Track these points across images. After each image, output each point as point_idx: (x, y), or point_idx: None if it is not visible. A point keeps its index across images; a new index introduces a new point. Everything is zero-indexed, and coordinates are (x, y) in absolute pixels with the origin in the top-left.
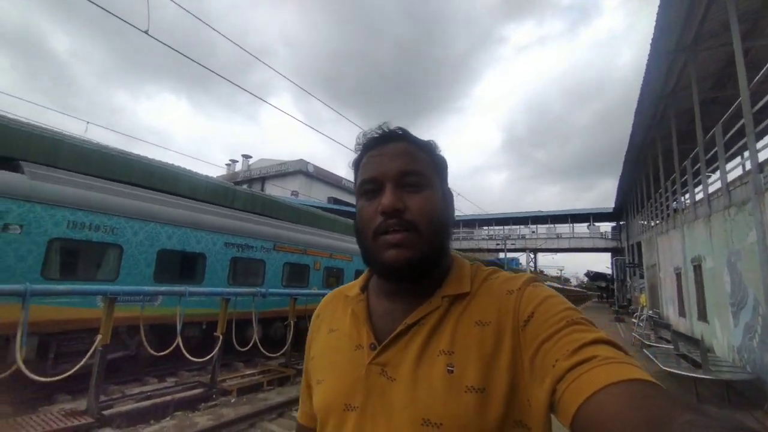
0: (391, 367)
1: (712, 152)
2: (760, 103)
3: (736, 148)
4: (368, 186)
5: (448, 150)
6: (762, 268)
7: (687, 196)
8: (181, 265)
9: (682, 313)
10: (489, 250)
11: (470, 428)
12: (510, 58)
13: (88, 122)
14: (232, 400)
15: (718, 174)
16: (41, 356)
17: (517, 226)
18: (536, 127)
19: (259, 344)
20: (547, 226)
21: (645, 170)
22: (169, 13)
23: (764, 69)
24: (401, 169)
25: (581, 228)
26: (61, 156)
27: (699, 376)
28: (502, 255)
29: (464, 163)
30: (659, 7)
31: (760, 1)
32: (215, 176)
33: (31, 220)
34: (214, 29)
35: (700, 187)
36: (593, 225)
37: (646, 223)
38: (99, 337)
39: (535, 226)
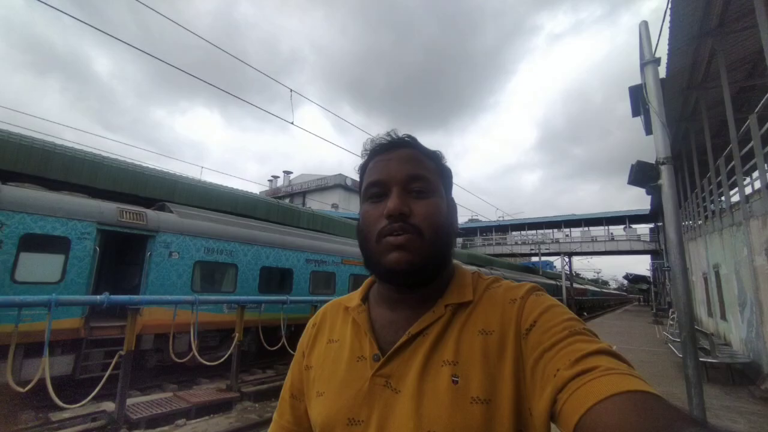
0: (395, 379)
1: (729, 167)
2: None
3: (749, 166)
4: (374, 189)
5: (479, 150)
6: (752, 277)
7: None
8: (277, 279)
9: (710, 313)
10: (523, 255)
11: None
12: (544, 49)
13: (202, 167)
14: None
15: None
16: (190, 349)
17: (550, 230)
18: (575, 120)
19: None
20: (581, 229)
21: (679, 170)
22: (198, 29)
23: None
24: (408, 173)
25: (617, 230)
26: (191, 196)
27: (706, 360)
28: (535, 259)
29: (496, 162)
30: None
31: None
32: (258, 192)
33: (183, 248)
34: (238, 59)
35: (721, 199)
36: (629, 227)
37: (685, 223)
38: (236, 335)
39: (568, 229)
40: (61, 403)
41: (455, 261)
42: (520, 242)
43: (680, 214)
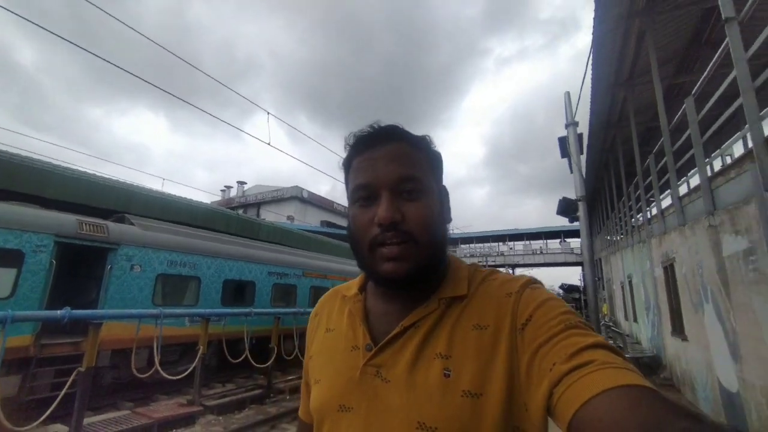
0: (386, 369)
1: (637, 193)
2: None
3: (650, 194)
4: (362, 192)
5: None
6: (653, 285)
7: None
8: (239, 292)
9: (626, 317)
10: None
11: None
12: (493, 71)
13: (164, 179)
14: (288, 397)
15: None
16: (149, 364)
17: (496, 243)
18: (520, 139)
19: (299, 354)
20: (523, 242)
21: (602, 194)
22: (147, 28)
23: (679, 112)
24: (398, 175)
25: (554, 244)
26: (149, 207)
27: None
28: None
29: (447, 176)
30: (592, 46)
31: (683, 41)
32: (209, 202)
33: (146, 261)
34: (187, 62)
35: (634, 219)
36: (564, 241)
37: (608, 238)
38: (200, 348)
39: (512, 242)
40: (11, 427)
41: (450, 254)
42: (468, 255)
43: (592, 237)
